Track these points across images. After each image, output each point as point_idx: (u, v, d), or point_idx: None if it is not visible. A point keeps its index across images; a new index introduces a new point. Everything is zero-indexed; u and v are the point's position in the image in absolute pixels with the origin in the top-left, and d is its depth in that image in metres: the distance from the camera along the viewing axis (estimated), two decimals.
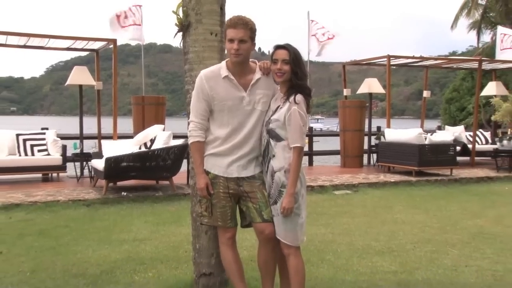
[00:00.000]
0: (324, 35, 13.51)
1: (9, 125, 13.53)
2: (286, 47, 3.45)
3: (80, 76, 10.34)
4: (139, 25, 11.23)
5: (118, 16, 10.99)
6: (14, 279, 4.48)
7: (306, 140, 11.92)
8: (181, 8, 3.95)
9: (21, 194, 8.35)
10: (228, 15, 3.74)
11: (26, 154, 9.95)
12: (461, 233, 6.28)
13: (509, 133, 13.02)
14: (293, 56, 3.42)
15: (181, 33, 4.00)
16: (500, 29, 14.79)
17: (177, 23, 3.95)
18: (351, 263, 4.96)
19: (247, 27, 3.40)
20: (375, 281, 4.43)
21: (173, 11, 3.97)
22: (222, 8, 3.97)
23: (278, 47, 3.47)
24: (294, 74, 3.43)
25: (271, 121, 3.46)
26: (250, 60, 3.55)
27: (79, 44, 10.60)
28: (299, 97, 3.42)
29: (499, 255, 5.31)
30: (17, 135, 10.06)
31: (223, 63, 3.54)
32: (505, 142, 12.00)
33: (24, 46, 10.56)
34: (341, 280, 4.44)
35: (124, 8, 11.08)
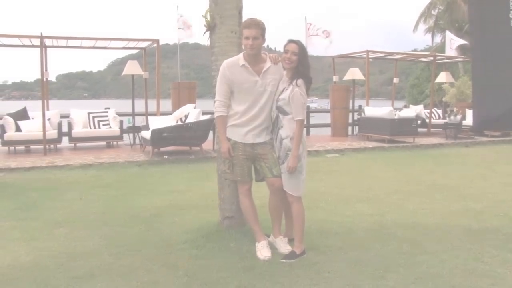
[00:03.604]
0: (324, 33, 13.02)
1: (83, 106, 13.58)
2: (296, 42, 3.38)
3: (132, 68, 10.28)
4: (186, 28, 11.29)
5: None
6: (91, 217, 4.60)
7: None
8: (208, 13, 3.87)
9: (92, 157, 8.39)
10: (244, 17, 3.70)
11: (94, 127, 10.00)
12: (420, 185, 6.23)
13: (455, 110, 13.10)
14: (301, 50, 3.35)
15: (208, 32, 3.93)
16: (448, 34, 15.16)
17: (206, 25, 3.89)
18: (339, 208, 4.92)
19: (258, 27, 3.31)
20: (357, 221, 4.39)
21: (202, 16, 3.91)
22: (240, 13, 3.89)
23: (290, 41, 3.38)
24: (301, 64, 3.35)
25: (279, 99, 3.39)
26: (262, 52, 3.45)
27: (131, 44, 10.54)
28: (300, 81, 3.34)
29: (445, 200, 5.32)
30: (88, 113, 10.12)
31: (241, 54, 3.45)
32: (452, 117, 12.08)
33: (93, 47, 10.58)
34: (331, 221, 4.40)
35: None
